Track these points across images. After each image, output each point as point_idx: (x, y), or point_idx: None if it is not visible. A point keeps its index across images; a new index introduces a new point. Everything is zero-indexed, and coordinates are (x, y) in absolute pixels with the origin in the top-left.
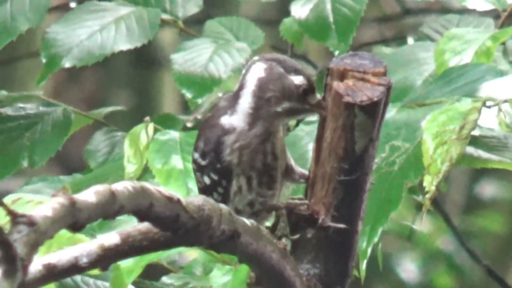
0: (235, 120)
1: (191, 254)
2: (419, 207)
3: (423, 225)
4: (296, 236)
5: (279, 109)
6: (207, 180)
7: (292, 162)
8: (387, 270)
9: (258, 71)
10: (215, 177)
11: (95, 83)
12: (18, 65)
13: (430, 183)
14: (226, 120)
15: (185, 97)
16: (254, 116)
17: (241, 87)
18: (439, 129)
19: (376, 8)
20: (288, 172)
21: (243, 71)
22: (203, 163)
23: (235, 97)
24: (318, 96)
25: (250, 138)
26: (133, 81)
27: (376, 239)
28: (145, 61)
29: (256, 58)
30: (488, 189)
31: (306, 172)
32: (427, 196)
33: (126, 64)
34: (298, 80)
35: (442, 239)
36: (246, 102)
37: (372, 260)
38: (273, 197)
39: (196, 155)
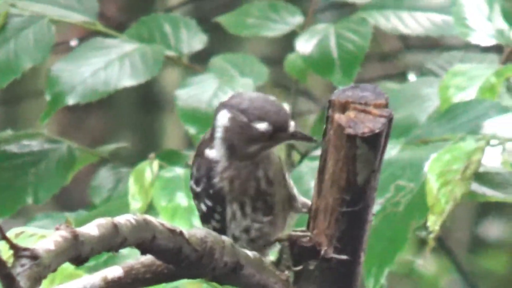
0: (215, 154)
1: None
2: (422, 243)
3: (427, 265)
4: (299, 268)
5: (250, 149)
6: (203, 207)
7: (295, 191)
8: None
9: (223, 119)
10: (209, 203)
11: (99, 127)
12: (21, 105)
13: (434, 222)
14: (209, 153)
15: (188, 137)
16: (232, 154)
17: (213, 129)
18: (443, 168)
19: (375, 45)
20: (291, 202)
21: (215, 112)
22: (198, 189)
23: (211, 135)
24: (292, 126)
25: (239, 169)
26: (136, 124)
27: (383, 280)
28: (148, 104)
29: (222, 102)
30: (492, 229)
31: (309, 201)
32: (431, 236)
33: (130, 107)
34: (262, 127)
35: (447, 280)
36: (219, 145)
37: None
38: (272, 225)
39: (191, 182)
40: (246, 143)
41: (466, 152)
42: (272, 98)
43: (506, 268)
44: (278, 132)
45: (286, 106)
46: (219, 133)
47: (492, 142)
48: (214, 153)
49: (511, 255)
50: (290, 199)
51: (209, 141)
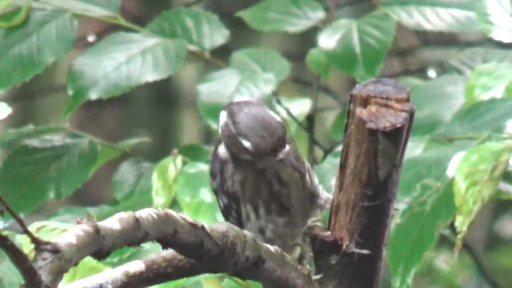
0: (223, 151)
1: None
2: (441, 240)
3: (444, 261)
4: (319, 276)
5: (243, 157)
6: (221, 203)
7: (319, 190)
8: None
9: (221, 121)
10: (225, 200)
11: (115, 123)
12: (36, 101)
13: (461, 223)
14: (220, 150)
15: (205, 133)
16: (232, 155)
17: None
18: (470, 169)
19: (392, 41)
20: (313, 200)
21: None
22: (215, 186)
23: None
24: (283, 152)
25: (246, 172)
26: (152, 120)
27: (409, 280)
28: (164, 100)
29: (229, 103)
30: (509, 227)
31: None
32: (459, 236)
33: (146, 103)
34: (245, 144)
35: (463, 277)
36: (222, 143)
37: None
38: (289, 225)
39: (211, 179)
40: (237, 151)
41: (494, 152)
42: (271, 120)
43: None
44: (260, 156)
45: (282, 129)
46: (220, 132)
47: None
48: (222, 150)
49: None
50: (312, 198)
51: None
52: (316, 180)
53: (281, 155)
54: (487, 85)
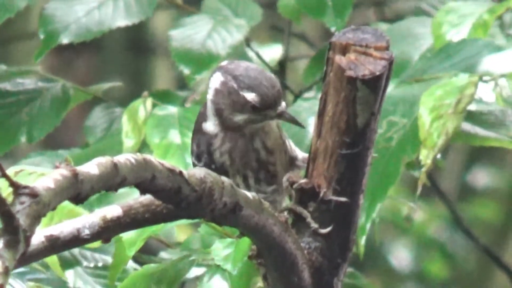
0: (210, 125)
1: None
2: (415, 188)
3: (416, 213)
4: (328, 229)
5: (235, 119)
6: None
7: (296, 152)
8: (379, 258)
9: (215, 81)
10: None
11: (88, 69)
12: (12, 47)
13: (426, 156)
14: (205, 126)
15: (178, 81)
16: (220, 121)
17: (208, 92)
18: (435, 103)
19: None
20: (293, 164)
21: (210, 75)
22: (200, 165)
23: (205, 104)
24: (282, 106)
25: (235, 140)
26: (126, 67)
27: (374, 215)
28: (138, 47)
29: (219, 65)
30: (480, 177)
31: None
32: (423, 169)
33: (119, 50)
34: (250, 97)
35: (435, 227)
36: (210, 108)
37: (365, 246)
38: (277, 193)
39: (193, 159)
40: (232, 111)
41: (458, 87)
42: (269, 73)
43: (493, 215)
44: (265, 108)
45: (278, 83)
46: (210, 95)
47: (485, 78)
48: (209, 125)
49: (498, 202)
50: (292, 162)
51: (204, 113)
52: (292, 144)
53: (281, 108)
54: (454, 22)
